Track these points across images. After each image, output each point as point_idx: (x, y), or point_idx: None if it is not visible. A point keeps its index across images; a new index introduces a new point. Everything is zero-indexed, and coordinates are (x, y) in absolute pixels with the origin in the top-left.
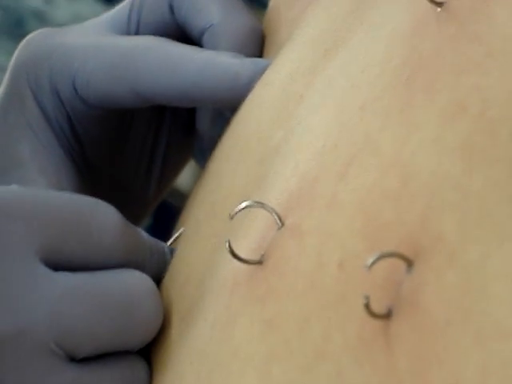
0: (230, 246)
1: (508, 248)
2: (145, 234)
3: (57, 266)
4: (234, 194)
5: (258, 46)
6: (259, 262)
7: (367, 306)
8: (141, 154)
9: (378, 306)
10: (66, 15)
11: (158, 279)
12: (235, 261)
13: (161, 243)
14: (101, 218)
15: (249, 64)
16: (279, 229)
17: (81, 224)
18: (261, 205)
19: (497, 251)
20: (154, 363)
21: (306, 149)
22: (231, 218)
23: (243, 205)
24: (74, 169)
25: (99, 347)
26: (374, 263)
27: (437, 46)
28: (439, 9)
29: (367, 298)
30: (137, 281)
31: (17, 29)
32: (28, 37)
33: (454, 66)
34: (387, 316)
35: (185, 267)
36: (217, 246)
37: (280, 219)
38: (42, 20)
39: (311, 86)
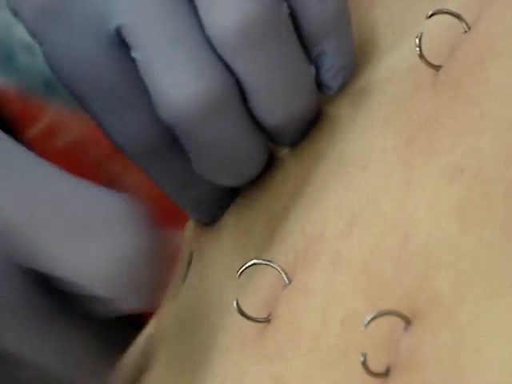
0: (238, 305)
1: (498, 307)
2: None
3: None
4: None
5: None
6: (267, 320)
7: (364, 364)
8: None
9: (377, 364)
10: None
11: None
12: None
13: None
14: None
15: None
16: (286, 286)
17: None
18: (268, 262)
19: (488, 310)
20: None
21: (312, 208)
22: (238, 275)
23: (251, 262)
24: None
25: None
26: (371, 321)
27: (435, 108)
28: (436, 72)
29: (364, 355)
30: None
31: (7, 62)
32: None
33: (451, 127)
34: (385, 374)
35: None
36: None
37: (287, 276)
38: (33, 53)
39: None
